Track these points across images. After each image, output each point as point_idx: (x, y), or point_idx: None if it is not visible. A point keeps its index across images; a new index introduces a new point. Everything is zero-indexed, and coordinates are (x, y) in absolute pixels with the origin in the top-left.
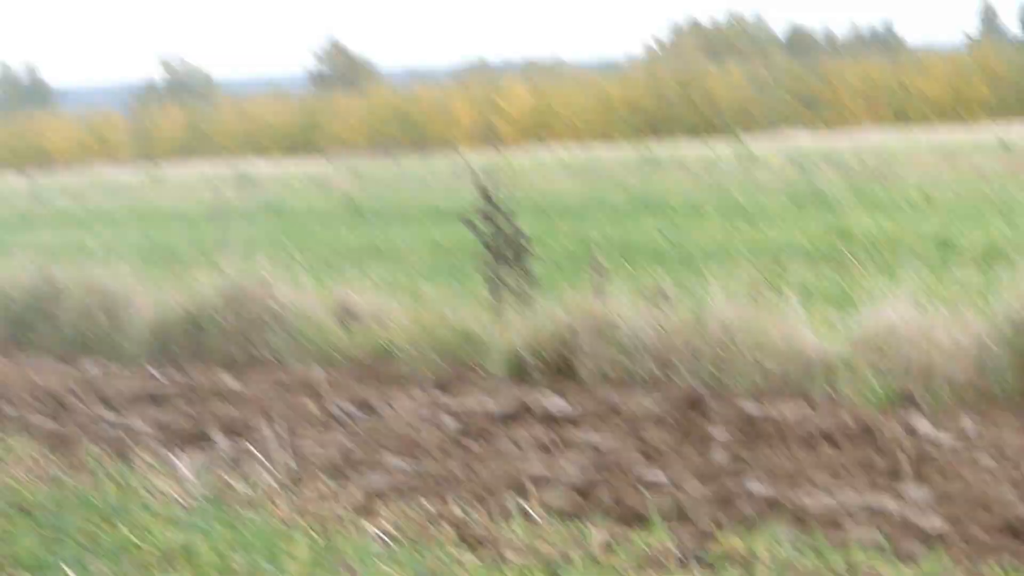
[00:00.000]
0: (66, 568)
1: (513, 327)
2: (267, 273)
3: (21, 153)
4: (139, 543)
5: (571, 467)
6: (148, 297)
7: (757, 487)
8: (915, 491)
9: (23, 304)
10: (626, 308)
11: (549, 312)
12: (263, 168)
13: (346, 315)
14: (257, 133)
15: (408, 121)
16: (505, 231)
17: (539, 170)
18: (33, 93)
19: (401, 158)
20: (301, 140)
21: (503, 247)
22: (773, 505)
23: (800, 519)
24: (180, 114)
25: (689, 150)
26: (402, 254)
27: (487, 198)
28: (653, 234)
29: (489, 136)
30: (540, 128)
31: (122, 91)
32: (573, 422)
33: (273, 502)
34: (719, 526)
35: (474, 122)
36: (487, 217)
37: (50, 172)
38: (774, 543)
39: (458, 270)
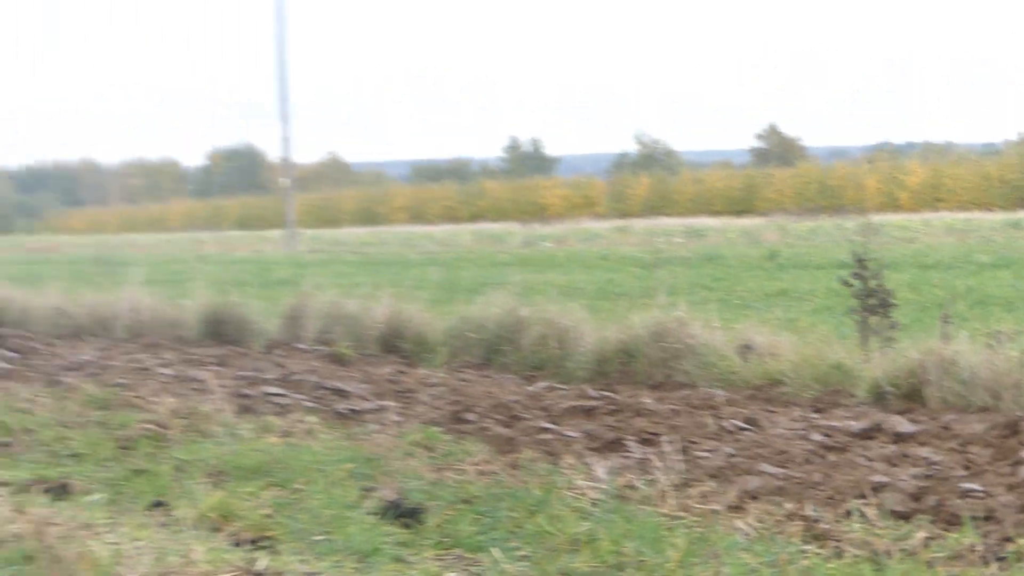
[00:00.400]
0: (495, 550)
1: (876, 362)
2: (685, 313)
3: (522, 208)
4: (553, 531)
5: (907, 476)
6: (592, 329)
7: None
8: None
9: (495, 332)
10: (967, 348)
11: (905, 350)
12: (709, 224)
13: (745, 348)
14: (707, 196)
15: (827, 189)
16: (873, 286)
17: (926, 231)
18: (535, 160)
19: (819, 218)
20: (742, 203)
21: (870, 298)
22: None
23: None
24: (647, 179)
25: None
26: (802, 297)
27: (859, 259)
28: (1006, 286)
29: (890, 203)
30: (932, 197)
31: (603, 159)
32: (915, 440)
33: (663, 499)
34: (1020, 529)
35: (879, 191)
36: (858, 274)
37: (543, 223)
38: None
39: (839, 312)
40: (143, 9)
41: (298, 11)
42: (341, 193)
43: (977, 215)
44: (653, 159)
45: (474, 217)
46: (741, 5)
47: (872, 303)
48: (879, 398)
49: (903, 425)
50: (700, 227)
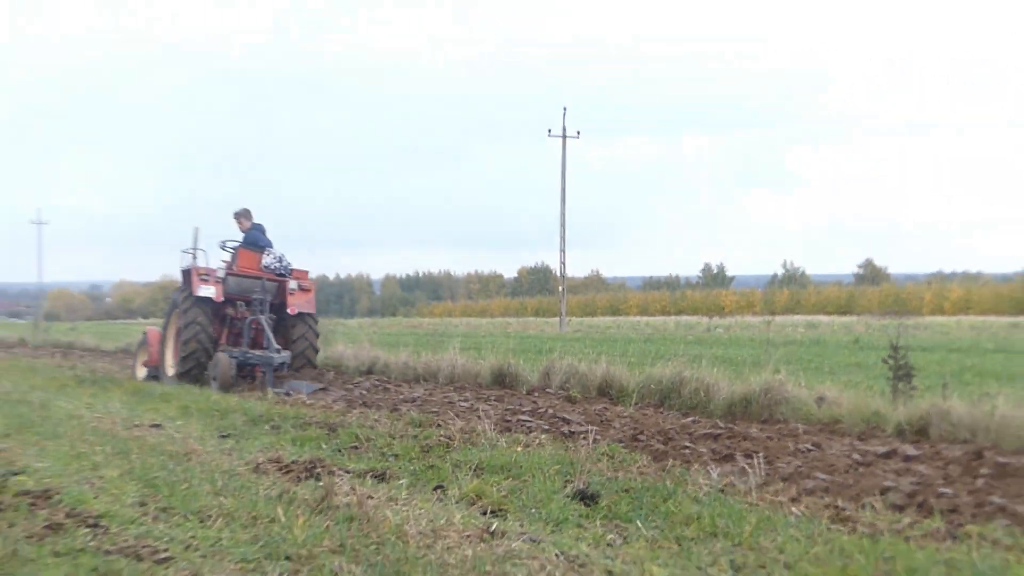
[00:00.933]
0: (639, 522)
1: (900, 410)
2: (784, 376)
3: (708, 307)
4: (676, 511)
5: (906, 483)
6: (727, 384)
7: None
8: None
9: (667, 384)
10: (957, 403)
11: (920, 403)
12: (822, 320)
13: (820, 399)
14: (823, 303)
15: (900, 300)
16: (901, 363)
17: (957, 328)
18: (719, 278)
19: (892, 318)
20: (846, 307)
21: (900, 370)
22: None
23: None
24: (787, 291)
25: None
26: (867, 368)
27: (894, 346)
28: (999, 364)
29: (938, 310)
30: (964, 307)
31: (762, 278)
32: (916, 460)
33: (749, 493)
34: (974, 519)
35: (932, 302)
36: (892, 356)
37: (720, 317)
38: None
39: (884, 378)
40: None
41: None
42: (597, 296)
43: (992, 318)
44: (792, 278)
45: (679, 312)
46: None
47: (901, 373)
48: (899, 433)
49: (910, 450)
50: (815, 322)
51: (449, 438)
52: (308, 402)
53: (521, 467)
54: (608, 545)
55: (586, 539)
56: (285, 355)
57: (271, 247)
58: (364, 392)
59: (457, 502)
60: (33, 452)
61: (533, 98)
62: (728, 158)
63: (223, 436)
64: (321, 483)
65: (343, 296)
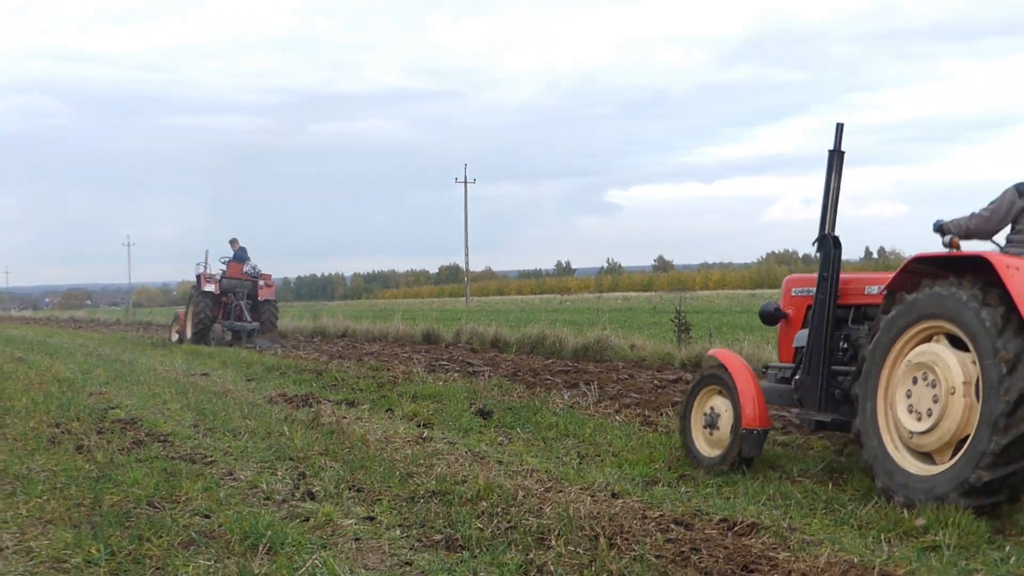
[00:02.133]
0: (519, 429)
1: (684, 352)
2: (610, 332)
3: None
4: (542, 422)
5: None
6: (574, 338)
7: None
8: None
9: (536, 338)
10: (713, 345)
11: (694, 347)
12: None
13: (632, 346)
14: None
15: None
16: (682, 321)
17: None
18: None
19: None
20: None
21: (681, 326)
22: None
23: None
24: None
25: None
26: (665, 325)
27: (677, 311)
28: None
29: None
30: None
31: None
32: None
33: (588, 408)
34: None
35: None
36: (676, 317)
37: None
38: None
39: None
40: None
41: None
42: (489, 283)
43: (740, 291)
44: (613, 268)
45: (541, 292)
46: None
47: (682, 328)
48: (683, 366)
49: (689, 376)
50: (628, 297)
51: (395, 378)
52: (303, 356)
53: (442, 395)
54: (499, 444)
55: (485, 440)
56: (255, 325)
57: (249, 260)
58: (339, 349)
59: (401, 419)
60: (124, 393)
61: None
62: (570, 194)
63: (248, 380)
64: (312, 409)
65: (326, 287)
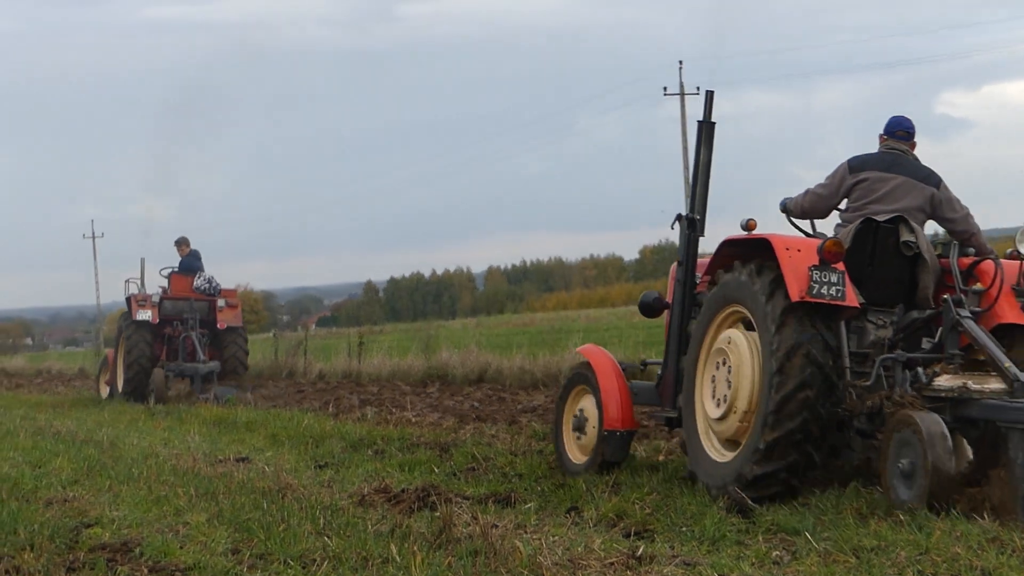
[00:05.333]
0: None
1: None
2: None
3: None
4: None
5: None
6: None
7: None
8: None
9: None
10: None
11: None
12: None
13: None
14: None
15: None
16: None
17: None
18: None
19: None
20: None
21: None
22: None
23: None
24: None
25: None
26: None
27: None
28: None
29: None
30: None
31: None
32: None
33: None
34: None
35: None
36: None
37: None
38: None
39: None
40: None
41: None
42: None
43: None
44: None
45: None
46: None
47: None
48: None
49: None
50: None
51: None
52: (413, 419)
53: (666, 478)
54: (774, 567)
55: (749, 560)
56: (213, 364)
57: (203, 271)
58: (476, 404)
59: (595, 525)
60: (106, 499)
61: (636, 58)
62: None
63: (320, 466)
64: (437, 513)
65: (442, 294)
